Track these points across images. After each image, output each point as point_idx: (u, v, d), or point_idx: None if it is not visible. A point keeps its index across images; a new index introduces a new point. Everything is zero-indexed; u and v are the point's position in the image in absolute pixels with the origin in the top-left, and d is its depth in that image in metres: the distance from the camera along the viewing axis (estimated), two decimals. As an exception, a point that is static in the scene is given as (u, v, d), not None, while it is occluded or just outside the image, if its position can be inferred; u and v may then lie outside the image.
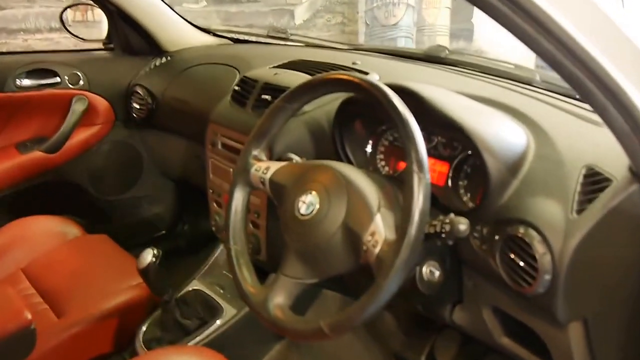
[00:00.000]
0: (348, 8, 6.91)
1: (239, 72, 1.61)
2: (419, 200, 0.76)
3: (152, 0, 1.94)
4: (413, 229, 0.76)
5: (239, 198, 1.02)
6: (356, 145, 1.17)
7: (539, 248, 0.81)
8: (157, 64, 1.97)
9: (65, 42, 4.78)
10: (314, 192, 0.89)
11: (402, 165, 1.13)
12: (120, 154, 2.07)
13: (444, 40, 5.79)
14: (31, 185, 1.92)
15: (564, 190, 0.83)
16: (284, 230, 0.94)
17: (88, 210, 2.06)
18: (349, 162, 1.16)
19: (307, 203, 0.89)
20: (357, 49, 1.78)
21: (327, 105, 1.22)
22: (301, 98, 1.00)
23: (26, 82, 1.85)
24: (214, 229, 1.48)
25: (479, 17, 5.92)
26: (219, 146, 1.41)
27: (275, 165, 1.00)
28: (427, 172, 0.79)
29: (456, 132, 0.92)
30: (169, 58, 1.97)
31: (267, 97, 1.29)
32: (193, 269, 1.60)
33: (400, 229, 0.78)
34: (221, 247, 1.59)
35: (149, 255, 1.26)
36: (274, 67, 1.46)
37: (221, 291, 1.48)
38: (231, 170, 1.36)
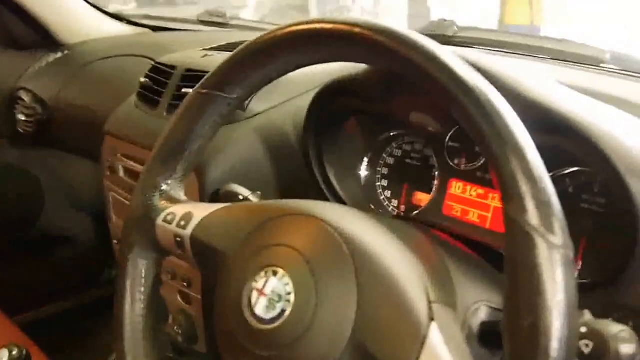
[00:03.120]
0: (299, 13, 6.57)
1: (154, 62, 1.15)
2: (558, 301, 0.32)
3: None
4: None
5: (136, 277, 0.56)
6: (343, 164, 0.73)
7: None
8: (50, 60, 1.50)
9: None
10: (280, 272, 0.44)
11: (420, 197, 0.70)
12: (13, 183, 1.60)
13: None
14: None
15: None
16: (222, 346, 0.48)
17: None
18: (335, 195, 0.71)
19: (269, 294, 0.44)
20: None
21: (294, 100, 0.78)
22: (247, 78, 0.54)
23: None
24: None
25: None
26: (120, 172, 0.93)
27: (201, 210, 0.55)
28: (563, 230, 0.34)
29: (567, 144, 0.49)
30: (66, 52, 1.50)
31: (189, 90, 0.82)
32: None
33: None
34: None
35: None
36: (203, 49, 1.01)
37: None
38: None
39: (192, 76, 0.85)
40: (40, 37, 1.53)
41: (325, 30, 0.48)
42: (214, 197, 0.69)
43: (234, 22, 1.53)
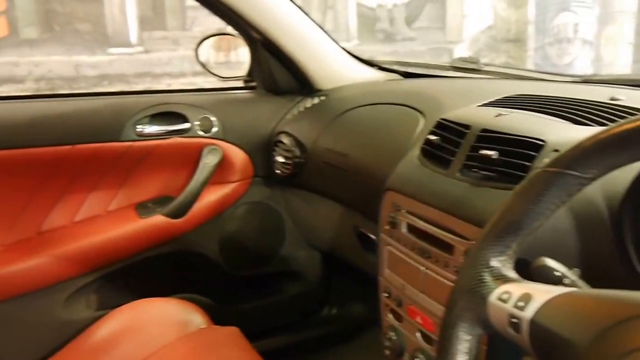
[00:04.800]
0: (514, 46, 6.39)
1: (423, 114, 1.16)
2: None
3: (304, 26, 1.58)
4: None
5: (459, 353, 0.56)
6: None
7: None
8: (308, 105, 1.59)
9: (208, 87, 4.71)
10: None
11: None
12: (259, 219, 1.71)
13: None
14: (149, 255, 1.60)
15: None
16: None
17: (216, 288, 1.71)
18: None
19: None
20: (592, 80, 1.27)
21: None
22: (609, 159, 0.52)
23: (149, 128, 1.54)
24: (387, 352, 1.02)
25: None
26: (403, 228, 0.95)
27: (541, 293, 0.53)
28: None
29: None
30: (322, 98, 1.58)
31: (488, 152, 0.82)
32: None
33: None
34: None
35: None
36: (482, 105, 1.00)
37: None
38: (421, 268, 0.89)
39: (488, 137, 0.85)
40: (297, 82, 1.64)
41: None
42: (523, 268, 0.67)
43: (486, 69, 1.51)
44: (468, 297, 0.57)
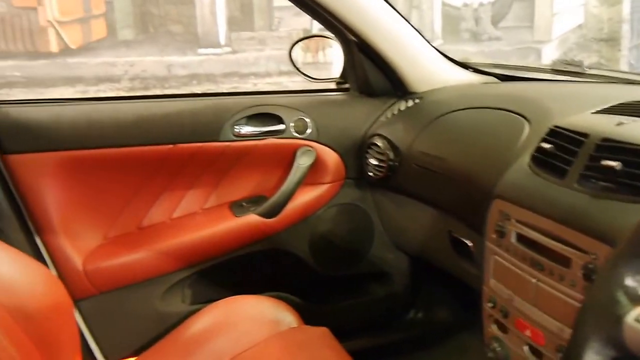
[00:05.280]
0: (607, 45, 6.10)
1: (527, 120, 1.12)
2: None
3: (400, 27, 1.56)
4: None
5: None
6: None
7: None
8: (402, 108, 1.58)
9: (294, 86, 4.78)
10: None
11: None
12: (349, 220, 1.71)
13: None
14: (242, 253, 1.63)
15: None
16: None
17: (305, 288, 1.73)
18: None
19: None
20: None
21: None
22: None
23: (245, 129, 1.57)
24: None
25: None
26: (513, 238, 0.92)
27: None
28: None
29: None
30: (417, 101, 1.56)
31: (611, 163, 0.78)
32: None
33: None
34: None
35: None
36: (597, 112, 0.96)
37: None
38: (533, 280, 0.86)
39: (608, 147, 0.81)
40: (391, 84, 1.62)
41: None
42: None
43: (591, 72, 1.44)
44: (600, 317, 0.54)
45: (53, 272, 1.47)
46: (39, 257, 1.46)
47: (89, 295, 1.51)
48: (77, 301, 1.49)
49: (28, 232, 1.48)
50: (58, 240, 1.48)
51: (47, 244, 1.48)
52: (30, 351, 0.98)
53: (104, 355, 1.56)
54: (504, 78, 1.61)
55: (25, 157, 1.44)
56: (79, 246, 1.51)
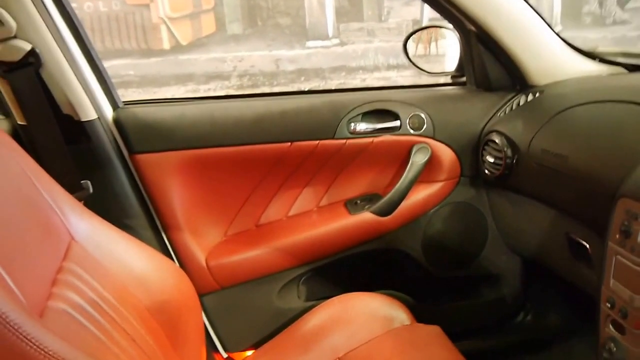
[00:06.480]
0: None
1: None
2: None
3: (524, 15, 1.47)
4: None
5: None
6: None
7: None
8: (521, 102, 1.50)
9: (403, 81, 4.67)
10: None
11: None
12: (462, 220, 1.67)
13: None
14: (355, 252, 1.65)
15: None
16: None
17: (417, 287, 1.73)
18: None
19: None
20: None
21: None
22: None
23: (361, 125, 1.58)
24: None
25: None
26: (639, 238, 0.89)
27: None
28: None
29: None
30: (537, 95, 1.48)
31: None
32: None
33: None
34: None
35: None
36: None
37: None
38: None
39: None
40: (510, 77, 1.56)
41: None
42: None
43: None
44: None
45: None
46: (166, 253, 1.54)
47: (211, 290, 1.59)
48: (200, 296, 1.55)
49: (156, 229, 1.56)
50: (183, 237, 1.56)
51: (173, 241, 1.56)
52: (162, 341, 1.05)
53: (225, 348, 1.64)
54: (633, 68, 1.50)
55: (152, 156, 1.51)
56: (202, 243, 1.58)
